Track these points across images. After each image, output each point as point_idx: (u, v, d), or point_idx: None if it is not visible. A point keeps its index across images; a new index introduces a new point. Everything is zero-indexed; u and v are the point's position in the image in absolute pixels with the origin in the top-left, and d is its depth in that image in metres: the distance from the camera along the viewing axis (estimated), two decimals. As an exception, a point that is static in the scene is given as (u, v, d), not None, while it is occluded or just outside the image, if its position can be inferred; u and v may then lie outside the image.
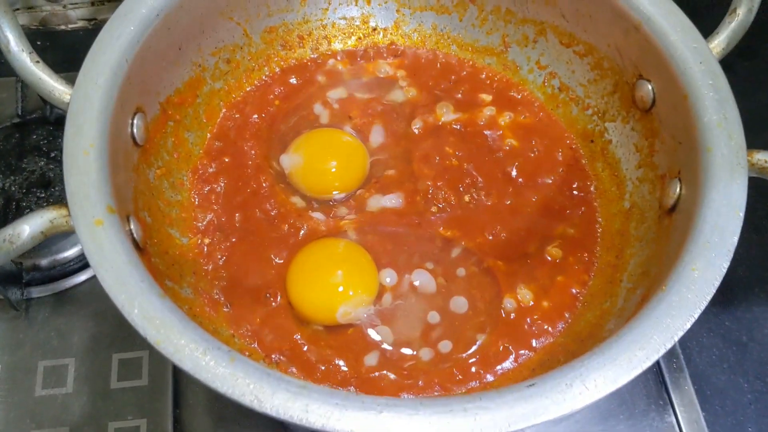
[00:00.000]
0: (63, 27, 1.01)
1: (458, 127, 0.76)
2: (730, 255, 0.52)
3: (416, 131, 0.75)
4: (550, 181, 0.73)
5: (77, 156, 0.54)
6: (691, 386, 0.76)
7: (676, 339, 0.49)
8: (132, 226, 0.57)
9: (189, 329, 0.48)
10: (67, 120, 0.55)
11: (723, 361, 0.79)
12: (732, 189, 0.55)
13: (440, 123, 0.76)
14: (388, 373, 0.62)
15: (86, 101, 0.56)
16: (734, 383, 0.77)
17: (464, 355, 0.63)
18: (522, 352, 0.63)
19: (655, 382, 0.76)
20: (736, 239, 0.53)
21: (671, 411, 0.74)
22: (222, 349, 0.47)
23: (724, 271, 0.52)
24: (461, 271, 0.67)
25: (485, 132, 0.76)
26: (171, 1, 0.64)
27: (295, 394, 0.45)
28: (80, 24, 1.02)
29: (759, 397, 0.76)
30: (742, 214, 0.54)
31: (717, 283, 0.51)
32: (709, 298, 0.51)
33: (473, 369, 0.62)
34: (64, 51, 0.98)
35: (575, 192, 0.73)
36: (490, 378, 0.62)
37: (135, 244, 0.56)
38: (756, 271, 0.81)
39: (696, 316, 0.50)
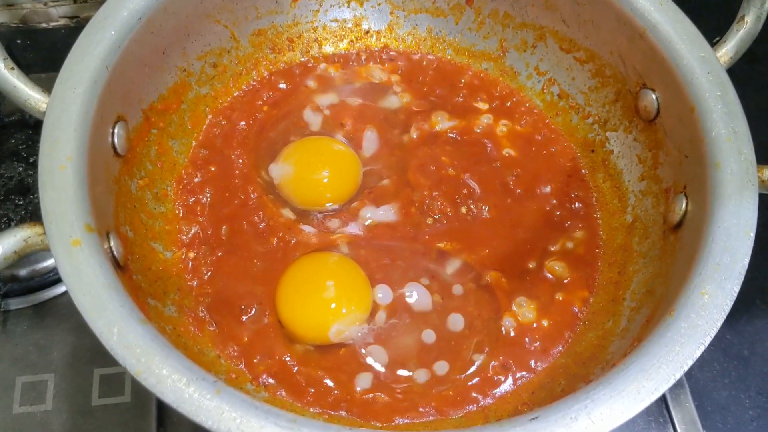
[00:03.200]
0: (44, 25, 0.98)
1: (454, 135, 0.74)
2: (741, 278, 0.50)
3: (411, 139, 0.73)
4: (550, 193, 0.71)
5: (53, 171, 0.51)
6: (692, 402, 0.74)
7: (686, 368, 0.47)
8: (112, 243, 0.54)
9: (172, 358, 0.45)
10: (43, 133, 0.52)
11: (724, 377, 0.77)
12: (742, 208, 0.53)
13: (436, 131, 0.74)
14: (382, 396, 0.59)
15: (63, 112, 0.53)
16: (736, 399, 0.75)
17: (461, 376, 0.61)
18: (521, 374, 0.61)
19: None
20: (747, 261, 0.51)
21: (671, 428, 0.72)
22: (207, 380, 0.45)
23: (735, 295, 0.50)
24: (458, 288, 0.65)
25: (483, 141, 0.73)
26: (154, 3, 0.61)
27: (285, 428, 0.43)
28: (62, 22, 0.98)
29: (761, 414, 0.74)
30: (753, 235, 0.52)
31: (728, 309, 0.49)
32: (719, 324, 0.49)
33: (471, 392, 0.60)
34: (46, 50, 0.95)
35: (576, 204, 0.70)
36: (488, 401, 0.60)
37: (115, 262, 0.53)
38: (757, 283, 0.79)
39: (707, 343, 0.48)
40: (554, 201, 0.70)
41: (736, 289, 0.50)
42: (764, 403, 0.75)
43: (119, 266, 0.54)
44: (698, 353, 0.47)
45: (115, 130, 0.59)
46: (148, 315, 0.54)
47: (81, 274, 0.47)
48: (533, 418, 0.44)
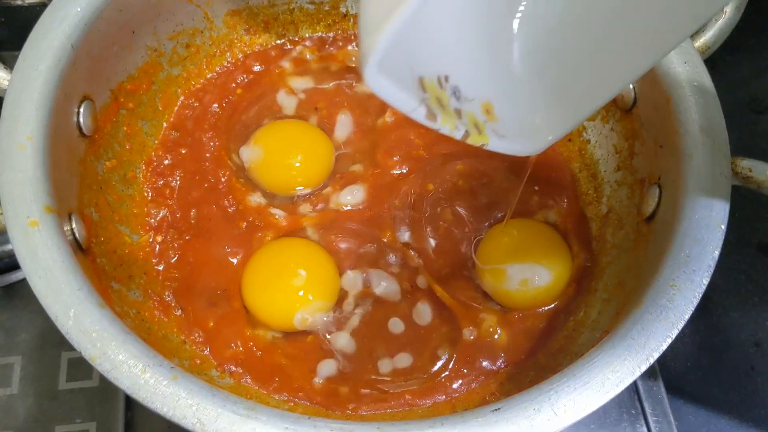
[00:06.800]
0: (19, 2, 0.96)
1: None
2: (711, 271, 0.50)
3: (386, 123, 0.71)
4: (524, 181, 0.69)
5: (12, 150, 0.50)
6: (665, 395, 0.74)
7: (652, 361, 0.46)
8: (74, 225, 0.53)
9: (128, 343, 0.45)
10: (3, 111, 0.51)
11: (697, 369, 0.76)
12: (714, 200, 0.52)
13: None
14: (347, 385, 0.59)
15: (25, 89, 0.52)
16: (708, 392, 0.75)
17: (428, 367, 0.60)
18: (490, 365, 0.60)
19: (627, 391, 0.73)
20: (717, 254, 0.50)
21: (644, 421, 0.72)
22: (164, 366, 0.44)
23: (704, 287, 0.49)
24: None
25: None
26: (123, -20, 0.60)
27: (242, 416, 0.42)
28: (37, -1, 0.96)
29: (733, 407, 0.74)
30: (724, 227, 0.51)
31: (696, 301, 0.48)
32: (687, 317, 0.48)
33: (438, 382, 0.59)
34: (20, 27, 0.92)
35: (550, 192, 0.69)
36: (456, 392, 0.59)
37: (77, 245, 0.52)
38: (732, 276, 0.79)
39: (673, 335, 0.47)
40: (529, 189, 0.69)
41: (705, 281, 0.49)
42: (736, 397, 0.75)
43: (81, 249, 0.53)
44: (665, 346, 0.47)
45: (81, 110, 0.58)
46: (110, 299, 0.53)
47: (37, 255, 0.46)
48: (495, 409, 0.44)
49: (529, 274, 0.62)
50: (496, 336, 0.61)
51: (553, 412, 0.44)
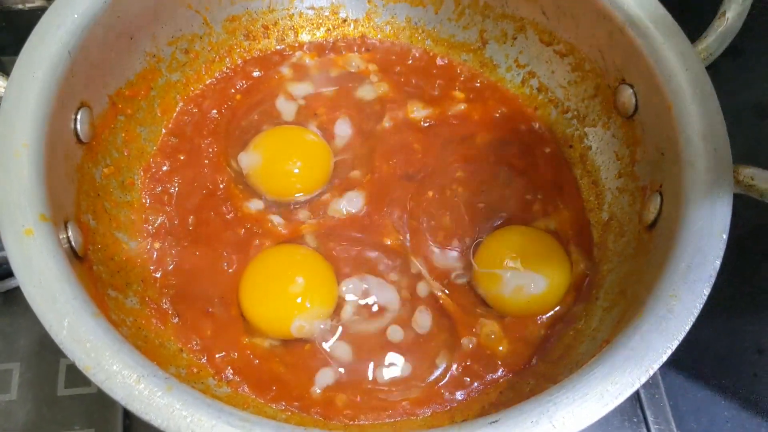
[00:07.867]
0: (20, 6, 0.96)
1: (429, 124, 0.72)
2: (712, 280, 0.49)
3: (385, 129, 0.71)
4: (525, 186, 0.69)
5: (8, 158, 0.49)
6: (667, 402, 0.73)
7: (651, 373, 0.46)
8: (70, 233, 0.52)
9: (123, 352, 0.44)
10: (-1, 117, 0.51)
11: (700, 376, 0.76)
12: (716, 209, 0.51)
13: (411, 120, 0.72)
14: (345, 393, 0.58)
15: (21, 97, 0.52)
16: (711, 399, 0.75)
17: (427, 375, 0.59)
18: (489, 373, 0.60)
19: (629, 398, 0.72)
20: (718, 263, 0.50)
21: (645, 428, 0.72)
22: (159, 377, 0.44)
23: (705, 297, 0.49)
24: (427, 286, 0.63)
25: (458, 131, 0.71)
26: (120, -14, 0.59)
27: (237, 428, 0.42)
28: (38, 3, 0.96)
29: (736, 414, 0.74)
30: (725, 237, 0.50)
31: (697, 312, 0.48)
32: (688, 327, 0.48)
33: (437, 391, 0.59)
34: (21, 32, 0.92)
35: (552, 199, 0.69)
36: (455, 401, 0.59)
37: (73, 253, 0.52)
38: (735, 282, 0.78)
39: (674, 347, 0.47)
40: (531, 194, 0.69)
41: (707, 291, 0.49)
42: (739, 404, 0.74)
43: (77, 257, 0.53)
44: (665, 357, 0.46)
45: (78, 117, 0.57)
46: (106, 307, 0.53)
47: (32, 264, 0.46)
48: (493, 422, 0.43)
49: (524, 281, 0.62)
50: (495, 344, 0.61)
51: (551, 425, 0.43)
